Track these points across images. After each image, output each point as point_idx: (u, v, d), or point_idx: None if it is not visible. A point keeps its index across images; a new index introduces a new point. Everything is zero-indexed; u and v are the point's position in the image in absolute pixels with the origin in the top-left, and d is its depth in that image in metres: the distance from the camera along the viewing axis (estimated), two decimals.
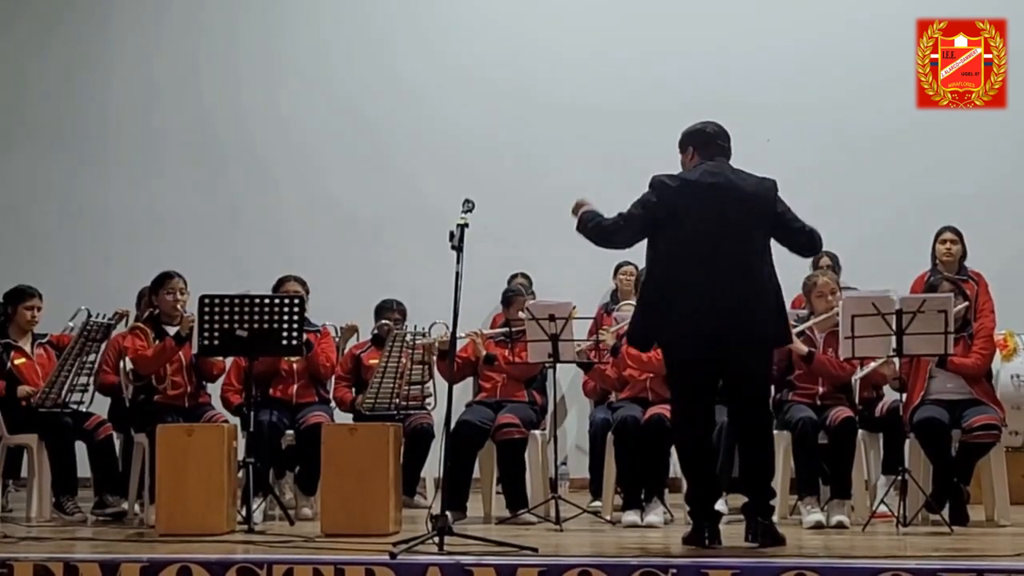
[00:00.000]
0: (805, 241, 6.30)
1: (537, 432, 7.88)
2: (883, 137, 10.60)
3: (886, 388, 7.68)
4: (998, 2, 10.76)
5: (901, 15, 10.69)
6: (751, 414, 6.17)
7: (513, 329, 8.07)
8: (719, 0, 10.91)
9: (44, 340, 8.25)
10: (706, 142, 6.32)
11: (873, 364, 7.38)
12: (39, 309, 8.15)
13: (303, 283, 8.16)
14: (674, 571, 5.26)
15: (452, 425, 6.42)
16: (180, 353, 7.75)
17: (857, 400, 7.54)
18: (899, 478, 7.03)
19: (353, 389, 8.43)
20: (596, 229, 6.32)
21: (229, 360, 8.02)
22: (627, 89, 10.77)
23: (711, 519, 6.12)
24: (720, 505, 6.46)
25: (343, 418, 8.29)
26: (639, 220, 6.22)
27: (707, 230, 6.08)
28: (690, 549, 6.01)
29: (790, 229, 6.23)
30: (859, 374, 7.47)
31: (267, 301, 7.30)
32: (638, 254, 9.55)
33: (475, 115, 10.93)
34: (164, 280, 7.89)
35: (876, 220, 10.39)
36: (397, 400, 8.01)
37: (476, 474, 7.84)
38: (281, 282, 8.16)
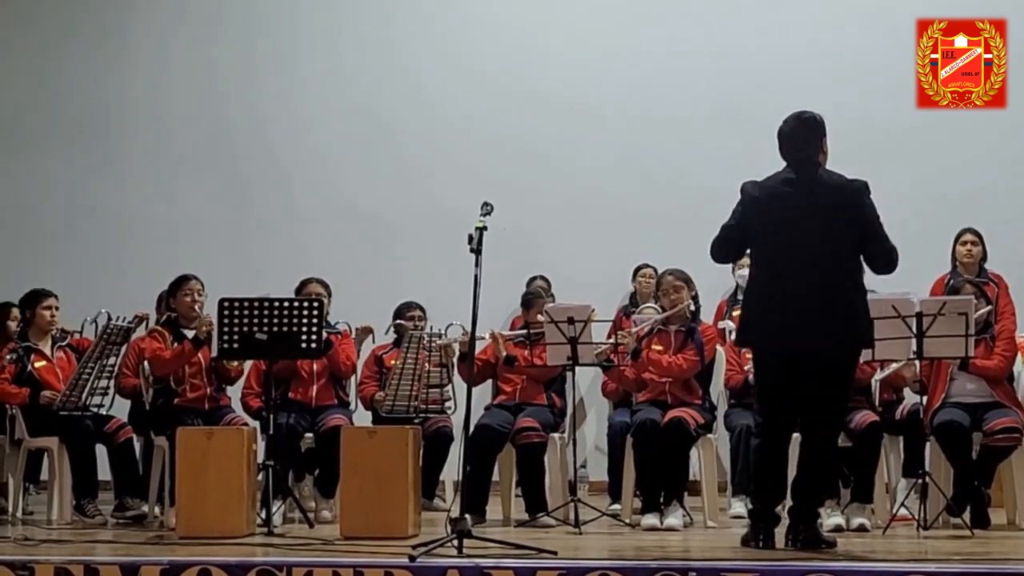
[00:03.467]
0: (882, 257, 6.15)
1: (556, 435, 7.88)
2: (883, 137, 10.54)
3: (906, 390, 7.65)
4: (998, 2, 10.71)
5: (901, 15, 10.64)
6: (812, 423, 6.13)
7: (532, 332, 8.06)
8: (723, 3, 10.88)
9: (64, 343, 8.29)
10: (781, 144, 6.24)
11: (893, 366, 7.35)
12: (57, 309, 8.19)
13: (325, 285, 8.17)
14: (693, 574, 5.26)
15: (471, 428, 6.42)
16: (199, 356, 7.76)
17: (877, 403, 7.51)
18: (920, 481, 6.99)
19: (378, 387, 8.41)
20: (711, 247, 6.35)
21: (248, 364, 8.04)
22: (643, 91, 10.75)
23: (768, 521, 6.10)
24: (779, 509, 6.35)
25: (363, 421, 8.30)
26: (732, 230, 6.24)
27: (787, 239, 6.05)
28: (707, 552, 6.00)
29: (870, 239, 6.08)
30: (879, 376, 7.44)
31: (286, 304, 7.30)
32: (656, 256, 9.64)
33: (493, 118, 10.91)
34: (181, 283, 7.91)
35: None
36: (416, 403, 8.01)
37: (495, 477, 7.84)
38: (303, 284, 8.18)
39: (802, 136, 6.21)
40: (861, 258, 6.12)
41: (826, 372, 6.07)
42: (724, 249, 6.33)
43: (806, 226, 6.03)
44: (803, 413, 6.16)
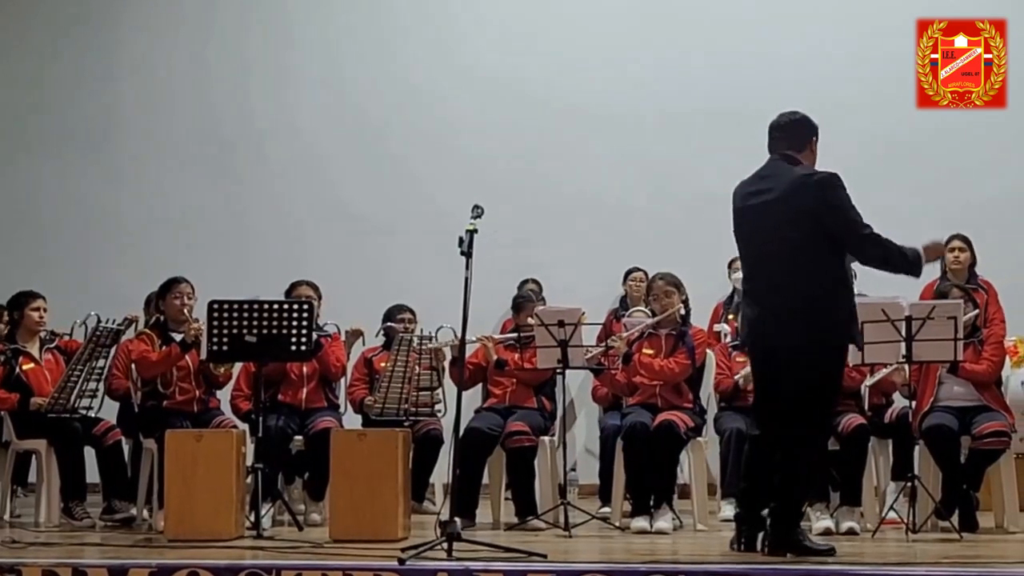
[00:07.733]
0: (859, 247, 6.05)
1: (546, 438, 7.87)
2: (883, 137, 10.55)
3: (895, 394, 7.66)
4: (998, 2, 10.74)
5: (901, 15, 10.66)
6: (779, 425, 6.08)
7: (522, 335, 8.06)
8: (719, 4, 10.89)
9: (52, 345, 8.27)
10: (780, 137, 6.24)
11: (883, 371, 7.36)
12: (45, 310, 8.17)
13: (315, 288, 8.16)
14: None
15: (461, 431, 6.42)
16: (188, 359, 7.75)
17: (867, 407, 7.52)
18: (908, 485, 7.00)
19: (368, 390, 8.40)
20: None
21: (237, 367, 8.03)
22: (635, 94, 10.76)
23: (752, 524, 6.10)
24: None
25: (352, 423, 8.29)
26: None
27: (750, 236, 6.15)
28: (697, 555, 6.01)
29: (838, 232, 5.98)
30: (869, 381, 7.45)
31: (276, 306, 7.28)
32: (647, 260, 9.64)
33: (486, 120, 10.92)
34: (171, 285, 7.91)
35: (880, 224, 10.26)
36: (406, 406, 8.01)
37: (485, 480, 7.83)
38: (293, 287, 8.17)
39: (777, 128, 6.22)
40: (831, 254, 5.99)
41: (788, 371, 5.99)
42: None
43: (763, 223, 6.05)
44: (778, 415, 6.10)
